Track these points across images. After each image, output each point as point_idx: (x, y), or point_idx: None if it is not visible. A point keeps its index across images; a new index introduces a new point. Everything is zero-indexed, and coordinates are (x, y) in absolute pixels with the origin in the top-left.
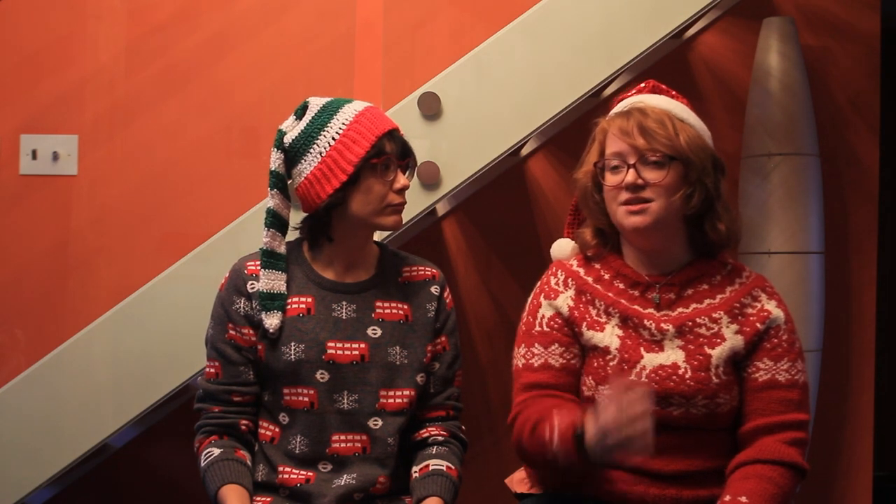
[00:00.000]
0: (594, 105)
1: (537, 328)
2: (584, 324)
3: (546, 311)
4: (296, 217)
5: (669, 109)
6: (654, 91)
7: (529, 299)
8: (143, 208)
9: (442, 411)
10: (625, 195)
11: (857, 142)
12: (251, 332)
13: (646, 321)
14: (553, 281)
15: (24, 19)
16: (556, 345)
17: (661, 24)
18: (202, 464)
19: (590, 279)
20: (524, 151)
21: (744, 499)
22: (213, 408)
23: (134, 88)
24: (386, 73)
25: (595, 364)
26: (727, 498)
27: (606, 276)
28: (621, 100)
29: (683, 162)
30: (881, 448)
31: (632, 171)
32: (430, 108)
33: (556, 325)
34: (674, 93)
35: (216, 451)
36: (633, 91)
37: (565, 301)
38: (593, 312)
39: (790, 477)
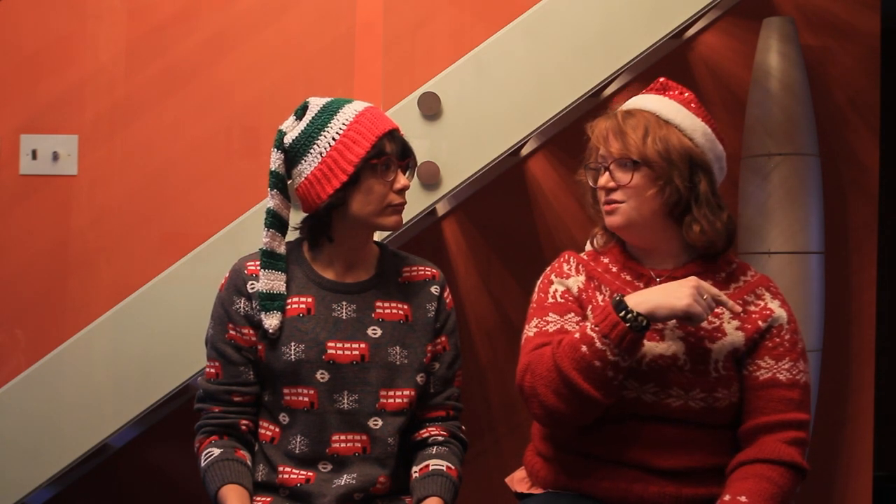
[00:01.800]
0: (594, 105)
1: (550, 300)
2: (590, 308)
3: (559, 287)
4: (295, 217)
5: (655, 110)
6: (661, 89)
7: (538, 282)
8: (143, 208)
9: (442, 411)
10: (603, 196)
11: (857, 142)
12: (251, 332)
13: None
14: (566, 267)
15: (24, 19)
16: (573, 314)
17: (661, 24)
18: (202, 464)
19: (599, 269)
20: (524, 151)
21: (743, 498)
22: (213, 408)
23: (134, 88)
24: (386, 73)
25: None
26: (727, 497)
27: (614, 269)
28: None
29: (648, 165)
30: (881, 448)
31: (606, 173)
32: (430, 108)
33: (570, 299)
34: (681, 88)
35: (216, 452)
36: (644, 90)
37: (576, 283)
38: (599, 298)
39: (790, 477)
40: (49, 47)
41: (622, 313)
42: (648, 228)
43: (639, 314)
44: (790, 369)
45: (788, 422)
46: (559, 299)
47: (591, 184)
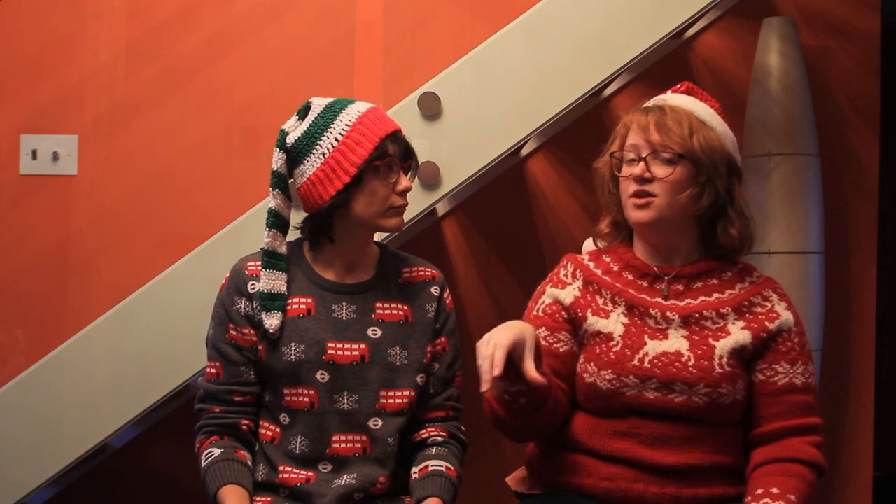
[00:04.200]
0: (594, 105)
1: (534, 313)
2: (590, 310)
3: (546, 299)
4: (296, 216)
5: (693, 110)
6: (687, 93)
7: (538, 288)
8: (143, 208)
9: (441, 412)
10: (633, 187)
11: (857, 142)
12: (252, 332)
13: (651, 309)
14: (563, 272)
15: (24, 19)
16: (543, 328)
17: (661, 24)
18: (203, 464)
19: (598, 271)
20: (524, 151)
21: (775, 490)
22: (213, 408)
23: (134, 88)
24: (386, 73)
25: (598, 350)
26: (759, 491)
27: (616, 268)
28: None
29: (693, 161)
30: (881, 448)
31: (642, 164)
32: (430, 108)
33: (549, 312)
34: (706, 95)
35: (216, 452)
36: (669, 91)
37: (571, 291)
38: (600, 301)
39: (816, 476)
40: (49, 47)
41: None
42: (674, 226)
43: None
44: (803, 373)
45: (808, 426)
46: (541, 313)
47: (616, 172)
